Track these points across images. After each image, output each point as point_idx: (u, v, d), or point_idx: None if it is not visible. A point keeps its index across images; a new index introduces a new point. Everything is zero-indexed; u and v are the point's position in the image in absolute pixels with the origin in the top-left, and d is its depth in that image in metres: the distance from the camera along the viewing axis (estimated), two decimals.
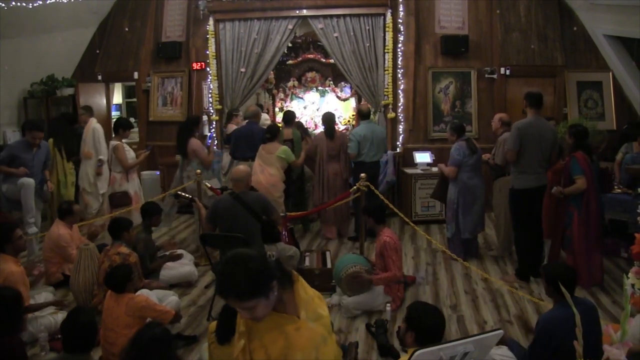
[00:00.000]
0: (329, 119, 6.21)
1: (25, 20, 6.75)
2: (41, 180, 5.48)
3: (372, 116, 7.50)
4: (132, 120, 9.47)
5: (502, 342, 3.16)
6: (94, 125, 6.38)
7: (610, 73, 7.18)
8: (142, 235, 4.32)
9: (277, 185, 5.56)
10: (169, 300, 3.90)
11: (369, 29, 7.08)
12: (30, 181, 5.22)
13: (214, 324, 3.00)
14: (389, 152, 7.13)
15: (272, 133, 5.78)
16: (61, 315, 3.91)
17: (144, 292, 3.64)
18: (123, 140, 5.92)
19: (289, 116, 6.54)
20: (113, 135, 5.91)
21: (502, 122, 5.41)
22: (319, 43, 7.53)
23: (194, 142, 5.74)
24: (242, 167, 4.36)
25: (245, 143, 5.93)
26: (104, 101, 8.47)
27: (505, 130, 5.36)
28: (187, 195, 5.18)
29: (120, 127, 5.84)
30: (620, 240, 5.47)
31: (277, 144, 5.70)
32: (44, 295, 4.19)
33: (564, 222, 4.65)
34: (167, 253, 4.95)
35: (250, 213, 4.07)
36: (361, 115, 6.18)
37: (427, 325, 2.42)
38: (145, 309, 3.28)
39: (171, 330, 3.51)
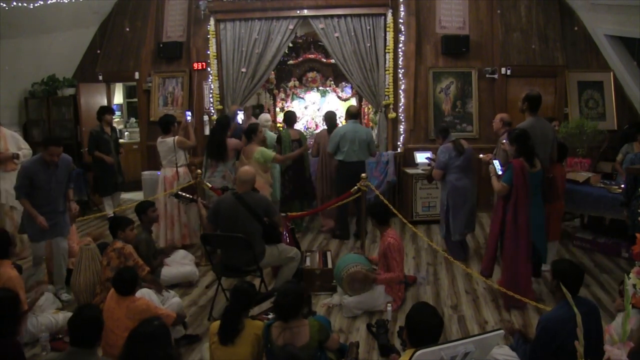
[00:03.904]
0: (331, 117, 6.37)
1: (26, 21, 6.76)
2: (63, 210, 4.59)
3: (373, 116, 7.55)
4: (133, 120, 9.52)
5: (511, 333, 3.17)
6: (8, 132, 5.78)
7: (611, 73, 7.18)
8: (142, 235, 4.32)
9: (262, 189, 5.35)
10: (171, 302, 3.90)
11: (369, 29, 7.08)
12: (40, 250, 4.47)
13: (215, 323, 3.01)
14: (390, 152, 7.14)
15: (247, 133, 5.63)
16: (62, 315, 3.93)
17: (144, 294, 3.63)
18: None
19: (290, 117, 6.54)
20: (162, 134, 5.80)
21: (503, 122, 5.41)
22: (319, 43, 7.54)
23: (233, 141, 5.77)
24: (248, 168, 4.35)
25: None
26: (105, 101, 8.48)
27: (507, 130, 5.36)
28: (187, 196, 5.18)
29: (171, 125, 5.80)
30: (621, 240, 5.48)
31: (254, 146, 5.57)
32: (45, 294, 4.19)
33: (501, 229, 4.32)
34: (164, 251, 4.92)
35: (252, 214, 4.07)
36: (348, 114, 6.16)
37: (418, 324, 2.44)
38: (146, 312, 3.28)
39: (173, 332, 3.54)
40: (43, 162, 4.34)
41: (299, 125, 7.89)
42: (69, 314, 3.89)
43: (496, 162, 4.51)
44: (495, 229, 4.37)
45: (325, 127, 6.46)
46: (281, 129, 6.94)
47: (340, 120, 7.75)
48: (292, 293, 2.92)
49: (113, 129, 7.03)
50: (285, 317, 2.89)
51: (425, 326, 2.43)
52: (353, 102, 7.86)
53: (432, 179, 5.59)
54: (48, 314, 3.93)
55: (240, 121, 6.68)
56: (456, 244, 5.38)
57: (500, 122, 5.42)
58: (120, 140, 9.46)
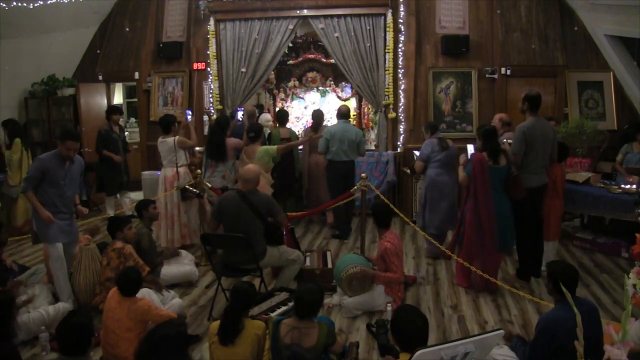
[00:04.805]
0: (318, 116, 6.50)
1: (26, 21, 6.76)
2: (73, 212, 4.41)
3: (373, 116, 7.57)
4: (133, 120, 9.52)
5: (508, 339, 3.18)
6: None
7: (611, 73, 7.17)
8: (144, 230, 4.32)
9: (263, 188, 5.36)
10: (172, 303, 3.90)
11: (369, 29, 7.08)
12: (58, 252, 4.18)
13: (215, 324, 3.01)
14: (389, 152, 7.15)
15: (256, 132, 5.64)
16: (52, 308, 3.90)
17: (144, 294, 3.63)
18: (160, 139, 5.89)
19: (282, 115, 6.62)
20: (163, 134, 5.81)
21: (502, 122, 5.42)
22: (319, 43, 7.54)
23: (233, 141, 5.79)
24: (252, 166, 4.35)
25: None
26: (105, 101, 8.47)
27: (506, 130, 5.37)
28: (194, 190, 5.19)
29: (172, 125, 5.82)
30: (621, 240, 5.48)
31: (256, 146, 5.58)
32: (38, 287, 4.21)
33: (461, 217, 4.66)
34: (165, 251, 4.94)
35: (255, 213, 4.07)
36: (339, 114, 6.25)
37: (403, 328, 2.48)
38: (147, 313, 3.28)
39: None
40: (59, 157, 4.16)
41: (299, 125, 7.90)
42: (60, 305, 3.90)
43: (470, 147, 4.65)
44: (459, 215, 4.73)
45: (311, 123, 6.60)
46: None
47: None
48: (318, 292, 2.99)
49: (121, 128, 7.07)
50: (304, 314, 2.93)
51: (411, 328, 2.44)
52: (353, 102, 7.87)
53: (415, 171, 5.78)
54: (40, 309, 3.92)
55: (240, 118, 6.72)
56: (434, 238, 5.45)
57: (499, 122, 5.43)
58: None
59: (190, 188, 5.08)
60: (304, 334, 2.88)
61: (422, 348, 2.26)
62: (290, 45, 7.59)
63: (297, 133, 7.22)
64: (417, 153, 6.98)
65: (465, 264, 4.47)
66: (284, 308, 3.73)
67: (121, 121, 9.50)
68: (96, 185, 7.18)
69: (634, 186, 5.24)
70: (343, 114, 6.20)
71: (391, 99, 7.23)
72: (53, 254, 4.19)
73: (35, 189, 4.09)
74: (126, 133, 9.28)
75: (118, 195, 7.06)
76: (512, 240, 4.70)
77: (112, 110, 6.95)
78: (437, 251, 5.44)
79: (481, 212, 4.40)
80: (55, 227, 4.15)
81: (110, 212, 6.69)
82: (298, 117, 8.02)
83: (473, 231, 4.46)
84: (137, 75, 8.13)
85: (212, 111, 7.66)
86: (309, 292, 2.96)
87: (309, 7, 7.13)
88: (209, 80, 7.70)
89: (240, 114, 6.77)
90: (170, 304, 3.87)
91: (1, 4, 6.11)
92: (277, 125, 6.64)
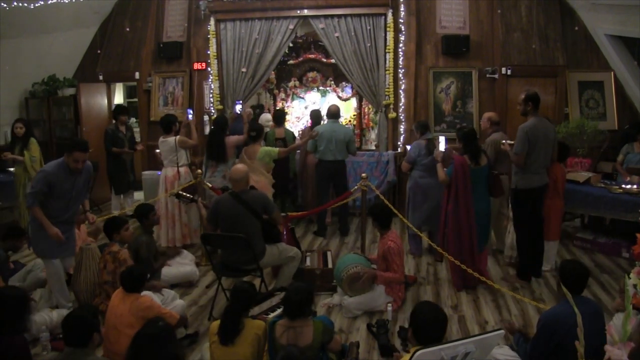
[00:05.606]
0: (317, 116, 6.70)
1: (26, 21, 6.76)
2: (74, 222, 4.26)
3: (374, 116, 7.56)
4: (133, 120, 9.54)
5: (511, 332, 3.19)
6: None
7: (612, 73, 7.16)
8: (143, 238, 4.25)
9: (264, 188, 5.35)
10: (175, 304, 3.88)
11: (370, 29, 7.08)
12: (55, 268, 4.03)
13: (215, 323, 3.01)
14: (390, 151, 7.14)
15: (257, 132, 5.63)
16: (56, 313, 3.93)
17: (147, 295, 3.63)
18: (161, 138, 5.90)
19: (279, 115, 6.64)
20: (164, 134, 5.83)
21: (491, 121, 5.40)
22: (320, 43, 7.54)
23: (233, 139, 5.82)
24: (240, 166, 4.35)
25: None
26: (105, 101, 8.48)
27: (495, 130, 5.35)
28: (188, 196, 5.17)
29: (172, 124, 5.83)
30: (622, 240, 5.48)
31: (257, 146, 5.58)
32: (39, 292, 4.22)
33: (445, 218, 4.74)
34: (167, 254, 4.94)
35: (251, 212, 4.07)
36: (328, 113, 6.32)
37: (423, 323, 2.45)
38: (149, 309, 3.28)
39: (176, 333, 3.54)
40: (65, 167, 3.92)
41: (299, 125, 7.90)
42: (64, 312, 3.90)
43: (442, 139, 4.80)
44: (442, 216, 4.79)
45: (309, 123, 6.68)
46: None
47: (341, 121, 7.79)
48: (305, 291, 2.97)
49: (128, 128, 7.13)
50: (293, 314, 2.91)
51: (432, 322, 2.44)
52: (353, 102, 7.87)
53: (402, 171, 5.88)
54: (43, 312, 3.93)
55: (238, 111, 6.75)
56: (415, 238, 5.60)
57: (488, 121, 5.42)
58: None
59: (184, 193, 5.06)
60: (299, 333, 2.87)
61: (422, 348, 2.26)
62: (291, 45, 7.59)
63: (297, 133, 7.22)
64: None
65: (456, 262, 4.49)
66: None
67: None
68: (109, 186, 7.24)
69: (635, 186, 5.24)
70: (332, 113, 6.27)
71: (391, 99, 7.23)
72: (50, 270, 4.04)
73: (41, 204, 3.87)
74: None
75: (122, 196, 7.08)
76: (486, 239, 4.91)
77: (120, 110, 7.07)
78: (420, 250, 5.66)
79: (461, 214, 4.52)
80: (54, 241, 3.95)
81: (115, 212, 6.70)
82: (298, 117, 8.02)
83: (453, 234, 4.57)
84: (137, 75, 8.13)
85: (213, 111, 7.66)
86: (295, 292, 2.93)
87: (309, 7, 7.13)
88: (210, 80, 7.71)
89: (238, 108, 6.80)
90: (172, 305, 3.85)
91: (2, 4, 6.12)
92: (275, 124, 6.64)
